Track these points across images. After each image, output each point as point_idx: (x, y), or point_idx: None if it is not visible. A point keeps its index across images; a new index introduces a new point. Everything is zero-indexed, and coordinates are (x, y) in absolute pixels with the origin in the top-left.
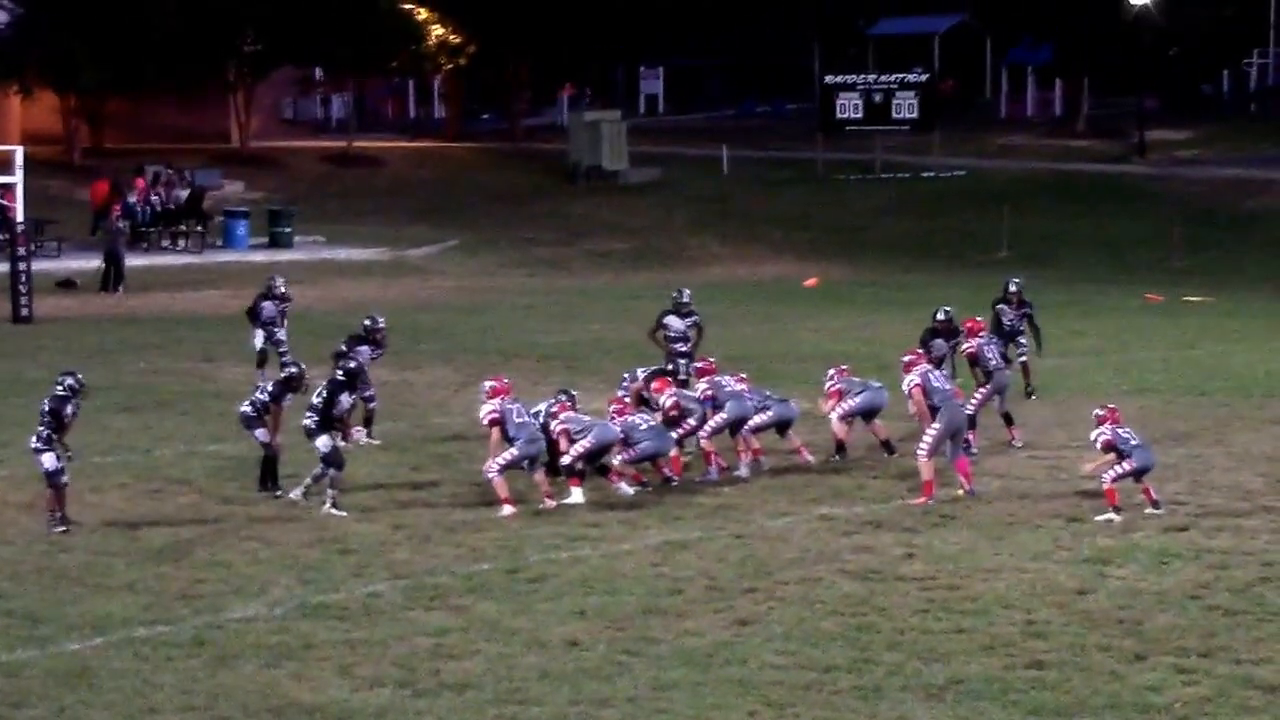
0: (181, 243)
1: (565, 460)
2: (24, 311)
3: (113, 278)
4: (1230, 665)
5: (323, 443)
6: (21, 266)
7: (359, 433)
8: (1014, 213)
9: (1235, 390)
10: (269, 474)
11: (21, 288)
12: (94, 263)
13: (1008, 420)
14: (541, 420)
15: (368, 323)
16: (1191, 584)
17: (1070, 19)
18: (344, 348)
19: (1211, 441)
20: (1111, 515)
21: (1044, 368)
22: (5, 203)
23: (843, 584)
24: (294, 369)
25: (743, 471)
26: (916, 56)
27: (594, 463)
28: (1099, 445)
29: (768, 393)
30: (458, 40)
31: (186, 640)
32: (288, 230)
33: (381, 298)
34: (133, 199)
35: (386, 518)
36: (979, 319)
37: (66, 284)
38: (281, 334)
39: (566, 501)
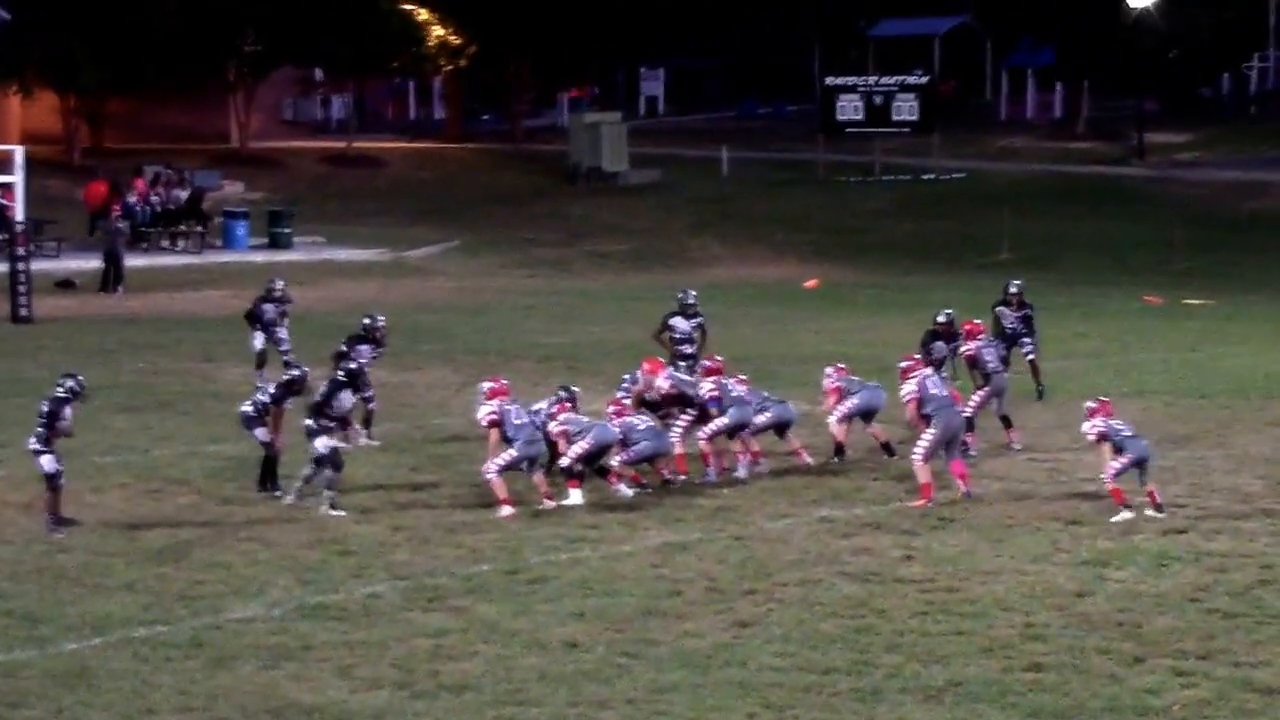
0: (181, 243)
1: (564, 462)
2: (23, 311)
3: (112, 278)
4: (1229, 668)
5: (321, 443)
6: (21, 266)
7: (359, 434)
8: (1014, 215)
9: (1235, 393)
10: (268, 475)
11: (21, 288)
12: (93, 263)
13: (1006, 423)
14: (541, 420)
15: (367, 321)
16: (1190, 587)
17: (1071, 21)
18: (344, 347)
19: (1211, 444)
20: (1125, 514)
21: (1043, 370)
22: (5, 202)
23: (842, 586)
24: (297, 372)
25: (741, 473)
26: (917, 58)
27: (593, 464)
28: (1093, 438)
29: (765, 394)
30: (458, 41)
31: (185, 641)
32: (287, 231)
33: (382, 298)
34: (132, 199)
35: (386, 519)
36: (978, 321)
37: (66, 284)
38: (284, 334)
39: (565, 503)
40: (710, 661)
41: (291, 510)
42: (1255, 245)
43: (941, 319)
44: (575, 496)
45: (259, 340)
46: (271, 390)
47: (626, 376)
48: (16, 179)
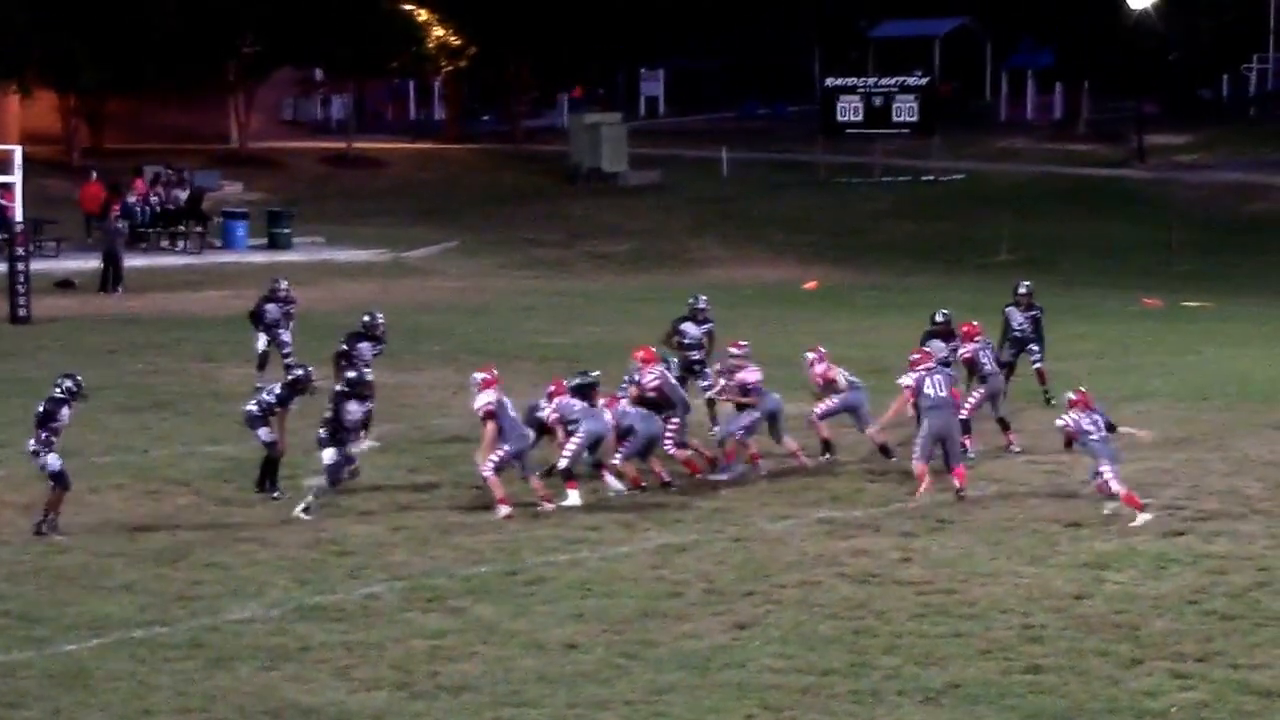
0: (181, 243)
1: (561, 464)
2: (22, 312)
3: (111, 278)
4: (1227, 670)
5: (328, 455)
6: (20, 266)
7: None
8: (1014, 216)
9: (1234, 395)
10: (268, 475)
11: (20, 288)
12: (92, 263)
13: (1004, 425)
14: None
15: (366, 319)
16: (1189, 589)
17: (1071, 23)
18: (345, 346)
19: (1210, 446)
20: (1143, 516)
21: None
22: (4, 202)
23: (841, 588)
24: (300, 371)
25: (725, 475)
26: (917, 59)
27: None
28: (1061, 430)
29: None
30: (458, 42)
31: (183, 641)
32: (287, 231)
33: (381, 299)
34: (132, 199)
35: (384, 519)
36: (975, 323)
37: (65, 284)
38: (286, 336)
39: (565, 504)
40: (709, 663)
41: (290, 510)
42: (1255, 247)
43: (939, 318)
44: (573, 498)
45: (261, 341)
46: (277, 390)
47: (626, 377)
48: (16, 179)
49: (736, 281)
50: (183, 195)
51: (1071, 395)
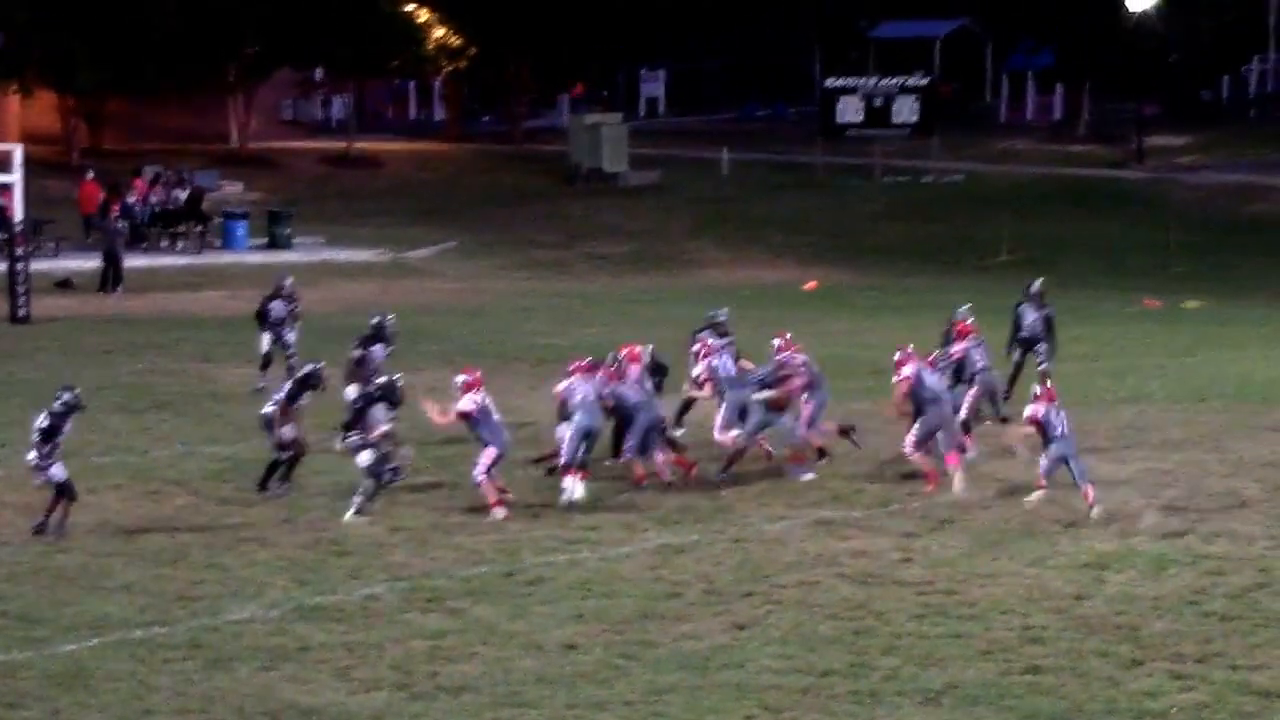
0: (180, 244)
1: (563, 460)
2: (22, 312)
3: (111, 278)
4: (1226, 671)
5: (364, 458)
6: (19, 266)
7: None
8: (1014, 217)
9: (1233, 396)
10: (272, 474)
11: (19, 288)
12: (92, 263)
13: (1005, 425)
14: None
15: (376, 320)
16: (1188, 590)
17: (1071, 24)
18: (359, 350)
19: (1209, 448)
20: (1038, 494)
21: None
22: (4, 202)
23: (840, 588)
24: (310, 367)
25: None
26: (917, 60)
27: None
28: (1025, 418)
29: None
30: (458, 42)
31: (183, 642)
32: (287, 231)
33: (381, 299)
34: (132, 199)
35: (384, 520)
36: (968, 322)
37: (64, 284)
38: (290, 335)
39: (575, 497)
40: (708, 663)
41: (289, 510)
42: (1254, 249)
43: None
44: (579, 490)
45: (265, 341)
46: (287, 388)
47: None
48: (15, 178)
49: (736, 282)
50: (182, 195)
51: (1038, 389)
